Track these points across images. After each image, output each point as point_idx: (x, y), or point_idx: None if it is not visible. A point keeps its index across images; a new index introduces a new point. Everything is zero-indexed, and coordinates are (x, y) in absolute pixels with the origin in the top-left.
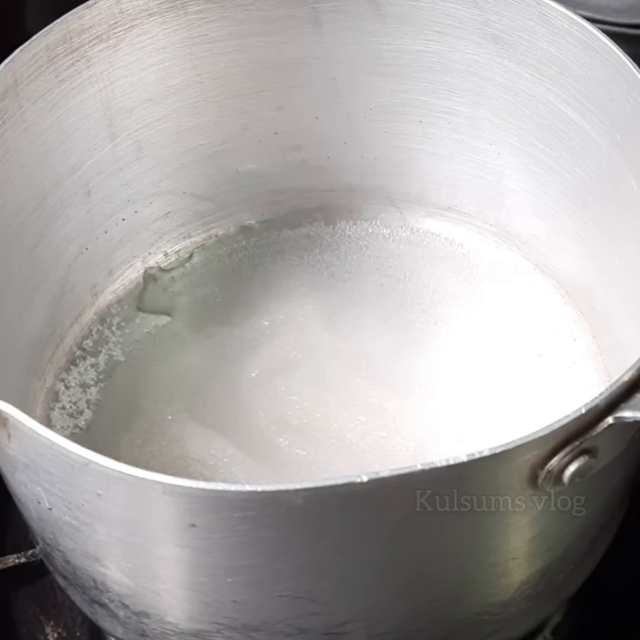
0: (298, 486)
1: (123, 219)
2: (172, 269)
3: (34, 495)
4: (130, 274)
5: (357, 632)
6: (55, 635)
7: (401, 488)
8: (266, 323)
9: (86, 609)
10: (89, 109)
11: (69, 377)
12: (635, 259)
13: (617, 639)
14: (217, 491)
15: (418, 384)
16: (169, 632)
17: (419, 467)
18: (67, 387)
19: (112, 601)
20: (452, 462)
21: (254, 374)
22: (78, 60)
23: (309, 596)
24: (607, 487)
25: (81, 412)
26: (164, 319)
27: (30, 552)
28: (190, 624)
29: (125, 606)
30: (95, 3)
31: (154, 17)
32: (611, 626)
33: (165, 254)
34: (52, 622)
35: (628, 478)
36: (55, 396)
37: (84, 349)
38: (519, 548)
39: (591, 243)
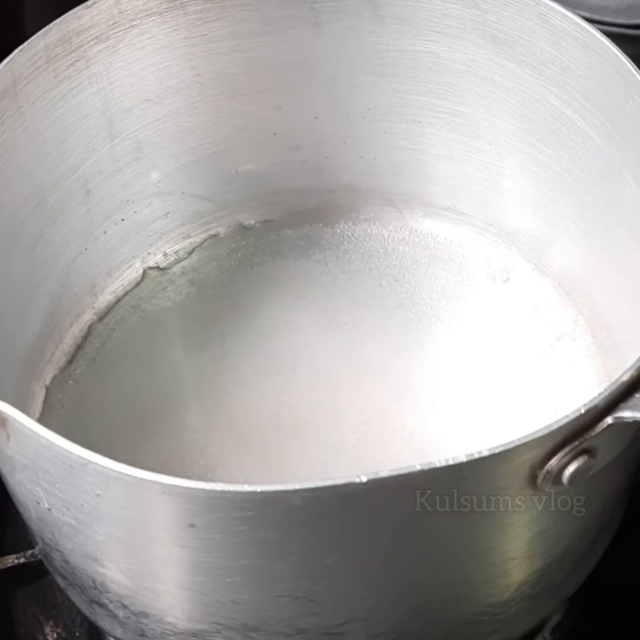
0: (297, 486)
1: (122, 219)
2: (171, 268)
3: (33, 496)
4: (130, 274)
5: (356, 632)
6: (55, 635)
7: (401, 488)
8: (265, 323)
9: (85, 609)
10: (89, 109)
11: (68, 377)
12: (635, 260)
13: (617, 639)
14: (217, 491)
15: (417, 384)
16: (168, 632)
17: (419, 467)
18: (66, 387)
19: (111, 601)
20: (451, 462)
21: (252, 374)
22: (77, 61)
23: (308, 596)
24: (607, 487)
25: (80, 412)
26: (162, 319)
27: (29, 552)
28: (190, 624)
29: (125, 606)
30: (94, 3)
31: (153, 17)
32: (611, 626)
33: (165, 254)
34: (51, 623)
35: (628, 478)
36: (54, 396)
37: (83, 349)
38: (519, 548)
39: (590, 243)
